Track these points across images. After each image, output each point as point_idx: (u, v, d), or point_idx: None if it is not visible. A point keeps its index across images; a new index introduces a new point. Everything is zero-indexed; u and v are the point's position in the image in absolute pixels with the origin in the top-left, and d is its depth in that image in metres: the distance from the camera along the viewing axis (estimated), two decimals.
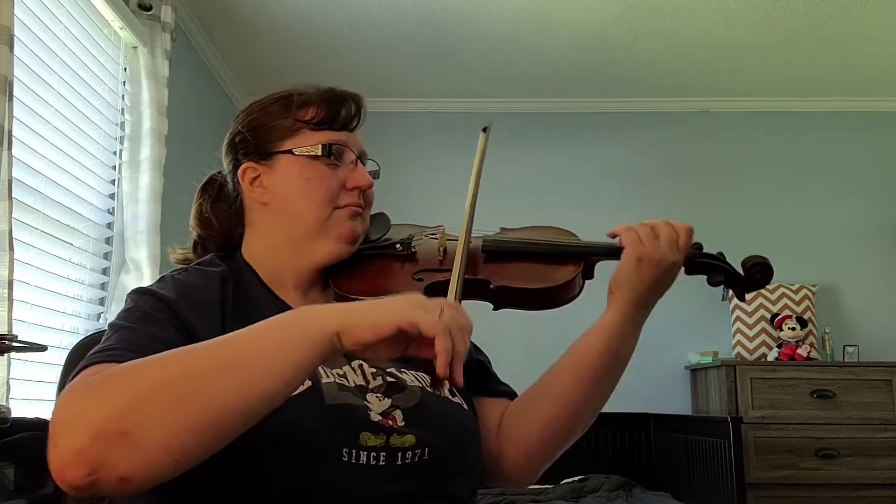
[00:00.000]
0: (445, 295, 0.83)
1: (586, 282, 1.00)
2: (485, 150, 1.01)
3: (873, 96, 3.74)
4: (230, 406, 0.65)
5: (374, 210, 1.02)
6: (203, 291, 0.87)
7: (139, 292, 0.86)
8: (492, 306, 0.97)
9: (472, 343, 1.07)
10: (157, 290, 0.85)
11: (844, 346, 3.42)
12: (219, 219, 1.03)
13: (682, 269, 0.98)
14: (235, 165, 0.99)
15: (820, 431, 3.02)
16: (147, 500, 0.78)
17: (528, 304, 0.97)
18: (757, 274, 1.00)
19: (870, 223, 3.69)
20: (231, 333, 0.70)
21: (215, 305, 0.86)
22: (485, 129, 1.03)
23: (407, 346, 0.70)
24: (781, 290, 3.43)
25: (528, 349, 3.17)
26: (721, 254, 1.03)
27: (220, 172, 1.05)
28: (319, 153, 0.93)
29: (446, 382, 0.69)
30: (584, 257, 0.99)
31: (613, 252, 0.98)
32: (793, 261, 3.58)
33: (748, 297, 1.06)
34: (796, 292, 3.43)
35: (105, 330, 0.82)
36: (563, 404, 0.95)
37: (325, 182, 0.94)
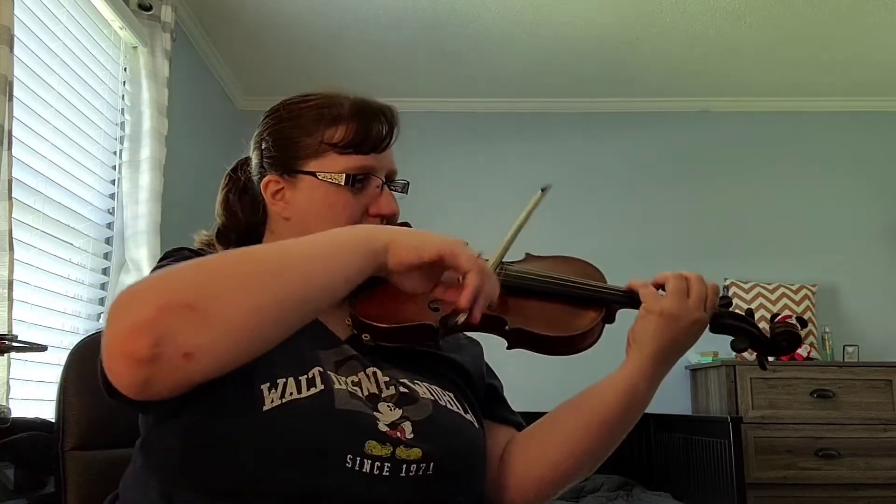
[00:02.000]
0: (461, 326, 0.82)
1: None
2: (535, 207, 0.94)
3: (873, 96, 3.75)
4: (290, 296, 0.68)
5: None
6: None
7: (187, 249, 0.90)
8: (506, 344, 0.93)
9: (487, 365, 1.06)
10: (200, 252, 0.90)
11: (844, 346, 3.42)
12: (244, 212, 1.02)
13: (707, 327, 0.94)
14: (261, 172, 0.97)
15: (820, 431, 3.02)
16: (152, 499, 0.78)
17: (543, 350, 0.92)
18: (783, 342, 0.96)
19: (870, 223, 3.69)
20: (290, 240, 0.77)
21: None
22: (543, 190, 0.96)
23: (435, 286, 0.78)
24: (781, 290, 3.43)
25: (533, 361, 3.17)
26: (749, 312, 0.98)
27: (247, 162, 1.03)
28: (343, 182, 0.91)
29: (462, 315, 0.74)
30: (608, 304, 0.94)
31: (637, 302, 0.93)
32: (793, 261, 3.59)
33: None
34: (796, 292, 3.43)
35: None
36: (568, 450, 0.93)
37: (348, 210, 0.92)
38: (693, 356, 3.49)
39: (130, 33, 2.43)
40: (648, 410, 0.95)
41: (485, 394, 1.02)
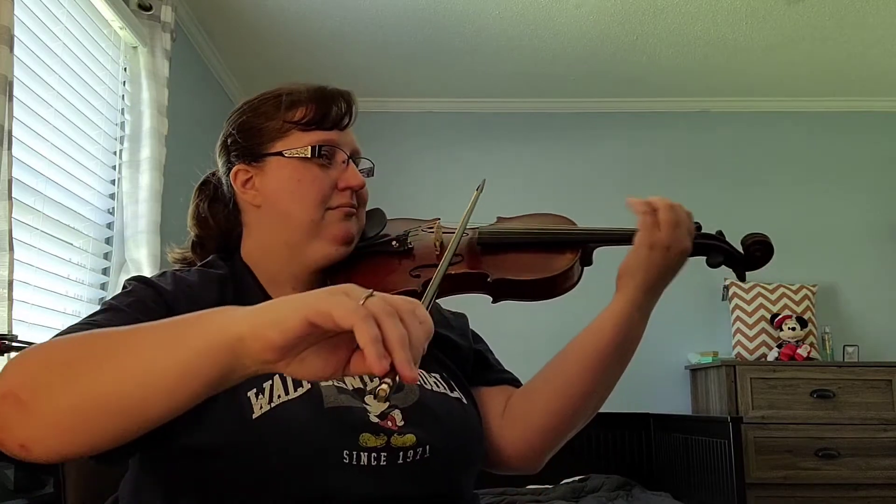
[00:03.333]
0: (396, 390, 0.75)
1: (585, 269, 0.99)
2: (475, 204, 1.00)
3: (873, 96, 3.74)
4: (111, 393, 0.59)
5: (369, 207, 1.02)
6: (201, 291, 0.87)
7: (139, 280, 0.87)
8: (491, 299, 0.96)
9: (471, 331, 1.07)
10: (156, 281, 0.87)
11: (844, 346, 3.42)
12: (216, 219, 1.02)
13: None
14: (228, 167, 0.98)
15: (820, 431, 3.02)
16: (151, 501, 0.78)
17: (527, 295, 0.96)
18: (757, 252, 0.99)
19: (870, 223, 3.69)
20: (140, 325, 0.65)
21: (212, 306, 0.86)
22: (479, 188, 1.03)
23: (347, 361, 0.57)
24: (781, 290, 3.43)
25: (528, 341, 3.17)
26: (720, 232, 1.02)
27: (214, 173, 1.05)
28: (309, 154, 0.92)
29: (386, 383, 0.52)
30: (582, 244, 0.97)
31: (615, 239, 0.97)
32: (793, 261, 3.58)
33: (748, 276, 1.05)
34: (796, 292, 3.43)
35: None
36: (568, 393, 0.94)
37: (317, 184, 0.93)
38: (693, 356, 3.49)
39: (130, 33, 2.43)
40: (648, 410, 0.96)
41: (473, 362, 1.03)
